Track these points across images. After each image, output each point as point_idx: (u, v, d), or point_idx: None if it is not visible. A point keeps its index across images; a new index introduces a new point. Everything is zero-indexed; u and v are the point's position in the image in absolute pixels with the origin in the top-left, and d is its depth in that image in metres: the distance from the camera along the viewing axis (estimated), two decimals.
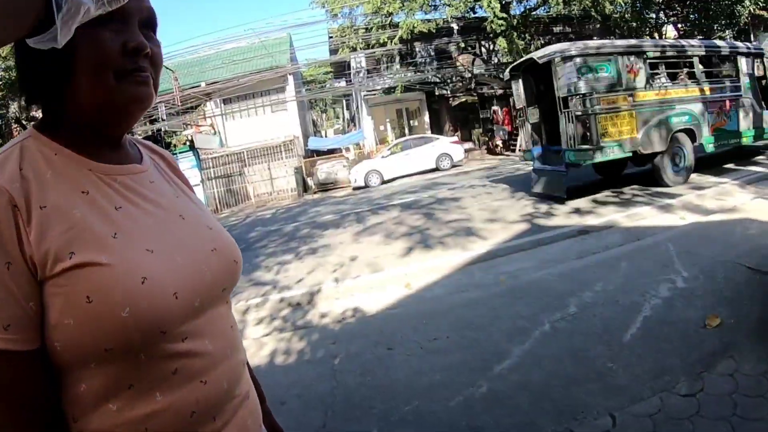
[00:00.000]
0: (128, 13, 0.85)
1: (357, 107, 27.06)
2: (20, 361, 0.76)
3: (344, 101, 33.84)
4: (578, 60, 8.17)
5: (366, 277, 6.23)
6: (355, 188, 19.12)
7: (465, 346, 3.75)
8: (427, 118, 26.25)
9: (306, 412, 3.36)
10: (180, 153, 20.71)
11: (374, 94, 25.16)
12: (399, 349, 3.96)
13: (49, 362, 0.80)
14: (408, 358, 3.75)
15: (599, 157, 8.17)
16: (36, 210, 0.77)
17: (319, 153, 24.79)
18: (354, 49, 23.57)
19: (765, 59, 10.58)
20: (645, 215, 6.83)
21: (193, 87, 23.28)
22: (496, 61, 24.72)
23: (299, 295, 5.95)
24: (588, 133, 8.16)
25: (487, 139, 24.65)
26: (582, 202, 8.33)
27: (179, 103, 21.79)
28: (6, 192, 0.76)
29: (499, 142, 22.92)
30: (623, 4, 19.58)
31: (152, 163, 1.05)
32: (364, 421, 3.06)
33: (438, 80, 25.07)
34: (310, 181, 22.36)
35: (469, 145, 23.65)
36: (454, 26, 23.64)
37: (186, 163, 20.70)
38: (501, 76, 23.32)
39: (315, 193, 21.49)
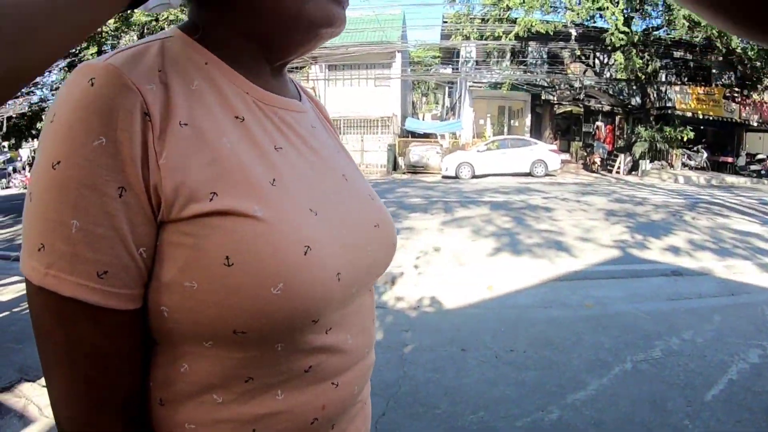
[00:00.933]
0: None
1: (460, 96, 26.67)
2: (110, 322, 0.57)
3: (447, 88, 33.49)
4: None
5: (448, 270, 6.16)
6: (445, 176, 18.99)
7: (542, 365, 3.61)
8: (528, 120, 25.57)
9: (371, 396, 3.35)
10: None
11: (480, 87, 24.69)
12: (473, 352, 3.88)
13: (144, 327, 0.62)
14: (481, 365, 3.66)
15: None
16: (174, 125, 0.58)
17: (414, 135, 24.73)
18: (467, 38, 23.15)
19: None
20: (743, 270, 6.37)
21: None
22: (608, 75, 23.65)
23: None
24: None
25: (585, 154, 23.76)
26: (679, 241, 7.89)
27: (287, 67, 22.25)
28: (137, 93, 0.56)
29: (597, 160, 22.00)
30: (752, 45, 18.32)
31: (311, 106, 0.85)
32: (426, 419, 3.01)
33: (546, 84, 24.28)
34: (400, 161, 22.38)
35: (566, 156, 22.89)
36: (572, 32, 22.68)
37: None
38: (611, 91, 22.36)
39: (404, 173, 21.52)
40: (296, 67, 23.59)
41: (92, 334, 0.56)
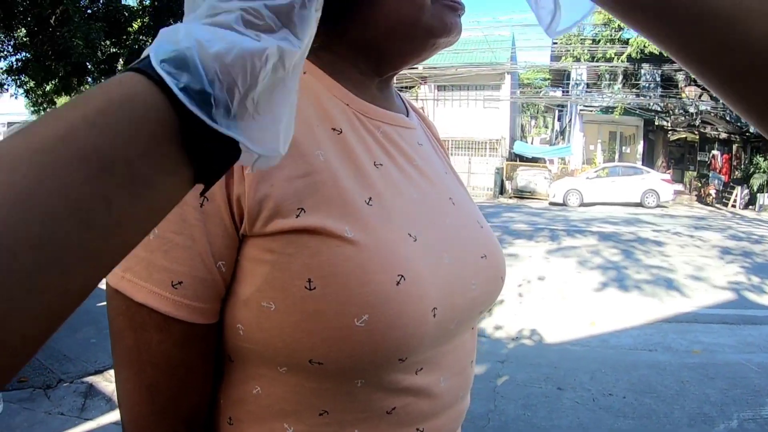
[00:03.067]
0: None
1: (570, 120, 25.81)
2: (179, 333, 0.54)
3: (556, 111, 32.54)
4: None
5: (551, 301, 5.98)
6: (552, 203, 18.42)
7: (641, 414, 3.39)
8: (641, 147, 24.11)
9: None
10: None
11: (590, 111, 23.72)
12: (569, 392, 3.73)
13: (219, 343, 0.59)
14: (576, 407, 3.51)
15: None
16: None
17: (522, 158, 24.26)
18: (577, 60, 22.43)
19: None
20: None
21: (411, 68, 23.79)
22: None
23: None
24: None
25: (699, 184, 21.96)
26: None
27: (395, 81, 22.48)
28: None
29: (712, 192, 20.35)
30: None
31: (419, 123, 0.78)
32: None
33: (659, 109, 22.80)
34: (507, 185, 22.03)
35: (679, 186, 21.33)
36: None
37: None
38: (728, 117, 20.71)
39: (510, 197, 21.15)
40: (406, 87, 23.87)
41: (160, 343, 0.54)
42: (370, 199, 0.58)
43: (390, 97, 0.72)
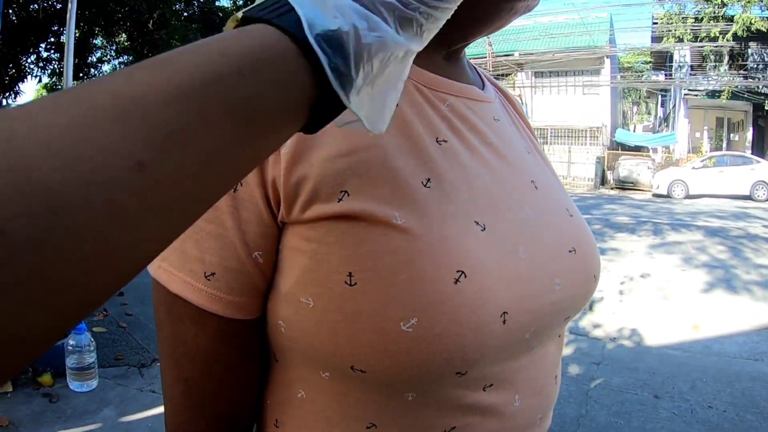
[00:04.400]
0: None
1: (674, 106, 24.13)
2: (214, 327, 0.50)
3: (659, 97, 30.57)
4: None
5: (653, 301, 5.74)
6: (655, 194, 17.43)
7: (742, 430, 3.24)
8: (750, 134, 22.07)
9: None
10: None
11: (695, 95, 21.99)
12: (666, 401, 3.60)
13: (258, 341, 0.54)
14: (673, 418, 3.39)
15: None
16: None
17: (624, 147, 23.05)
18: (680, 40, 20.83)
19: None
20: None
21: (506, 55, 23.12)
22: None
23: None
24: None
25: None
26: None
27: (491, 68, 21.88)
28: None
29: None
30: None
31: (498, 97, 0.68)
32: None
33: None
34: (609, 175, 21.08)
35: None
36: None
37: None
38: None
39: (612, 188, 20.25)
40: (502, 75, 23.30)
41: (195, 337, 0.50)
42: (428, 180, 0.50)
43: (461, 68, 0.63)
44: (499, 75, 23.35)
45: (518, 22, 24.64)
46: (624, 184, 19.92)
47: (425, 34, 0.35)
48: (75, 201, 0.20)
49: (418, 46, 0.35)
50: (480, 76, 0.69)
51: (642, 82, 28.42)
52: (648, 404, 3.56)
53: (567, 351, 4.43)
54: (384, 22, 0.32)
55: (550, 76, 23.88)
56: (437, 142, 0.52)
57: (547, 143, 22.35)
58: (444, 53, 0.59)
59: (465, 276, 0.46)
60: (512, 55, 23.40)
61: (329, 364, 0.50)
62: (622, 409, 3.51)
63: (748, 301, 5.78)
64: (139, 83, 0.24)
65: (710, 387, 3.78)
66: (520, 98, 23.30)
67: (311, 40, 0.29)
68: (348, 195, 0.46)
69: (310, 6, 0.29)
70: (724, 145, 23.09)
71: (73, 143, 0.21)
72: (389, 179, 0.48)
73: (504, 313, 0.48)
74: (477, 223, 0.50)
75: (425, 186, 0.49)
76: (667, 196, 16.92)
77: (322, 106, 0.32)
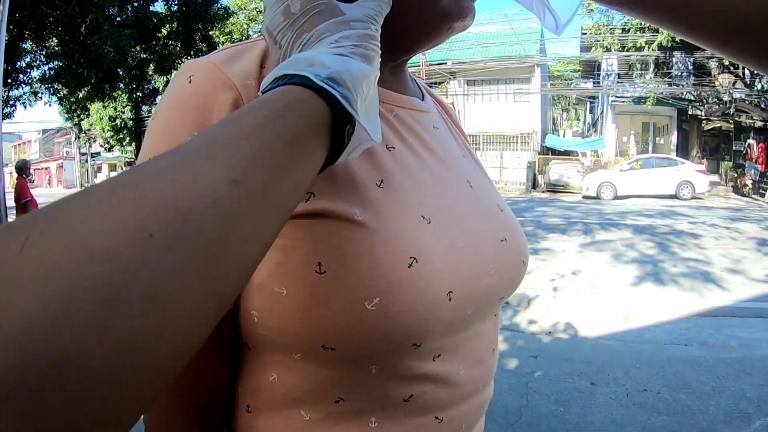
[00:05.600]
0: None
1: (602, 112, 25.28)
2: None
3: (588, 103, 31.92)
4: None
5: (585, 296, 5.92)
6: (585, 196, 18.14)
7: (676, 410, 3.34)
8: (675, 138, 23.47)
9: (487, 422, 3.31)
10: None
11: (622, 102, 23.17)
12: (603, 388, 3.69)
13: (232, 330, 0.59)
14: (610, 402, 3.48)
15: None
16: None
17: (554, 152, 23.88)
18: (607, 50, 21.95)
19: None
20: None
21: (439, 64, 23.51)
22: (760, 86, 20.91)
23: (512, 294, 5.87)
24: None
25: (735, 175, 21.11)
26: None
27: (424, 77, 22.26)
28: (234, 88, 0.54)
29: (749, 182, 19.53)
30: None
31: (435, 107, 0.76)
32: None
33: (692, 98, 22.01)
34: (540, 179, 21.76)
35: (714, 177, 20.60)
36: None
37: None
38: (763, 104, 19.95)
39: (543, 191, 20.91)
40: (435, 83, 23.70)
41: None
42: (381, 181, 0.57)
43: (404, 81, 0.71)
44: (432, 83, 23.72)
45: None
46: (555, 187, 20.62)
47: (375, 63, 0.48)
48: (201, 211, 0.29)
49: (378, 71, 0.48)
50: (420, 88, 0.76)
51: (571, 89, 29.61)
52: (585, 391, 3.64)
53: (506, 346, 4.49)
54: (350, 59, 0.45)
55: (482, 84, 24.47)
56: (387, 148, 0.60)
57: (479, 149, 22.87)
58: (389, 67, 0.66)
59: (417, 261, 0.53)
60: (445, 63, 23.84)
61: (302, 345, 0.54)
62: (561, 397, 3.57)
63: (676, 291, 6.06)
64: (216, 133, 0.35)
65: (643, 372, 3.91)
66: (453, 105, 23.71)
67: (321, 84, 0.41)
68: (314, 196, 0.53)
69: (314, 68, 0.42)
70: (650, 148, 24.33)
71: (193, 177, 0.31)
72: (349, 182, 0.55)
73: (450, 292, 0.55)
74: (423, 218, 0.57)
75: (379, 187, 0.56)
76: (597, 198, 17.64)
77: (339, 129, 0.42)
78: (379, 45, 0.50)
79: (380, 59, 0.50)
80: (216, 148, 0.33)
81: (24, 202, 7.51)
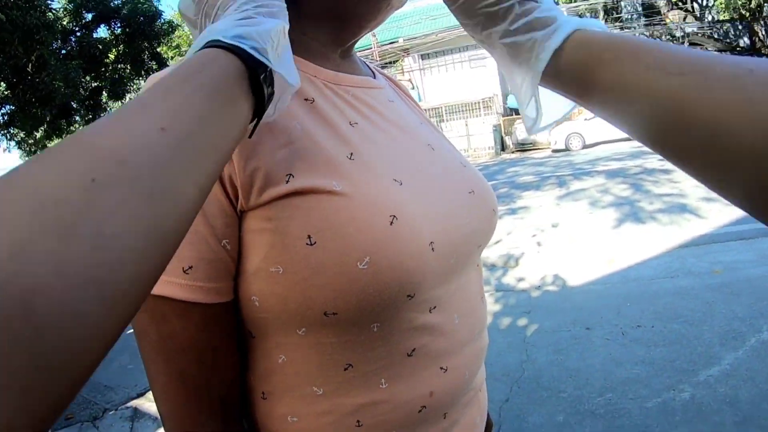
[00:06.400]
0: None
1: None
2: (199, 316, 0.56)
3: None
4: None
5: (568, 246, 5.97)
6: (555, 150, 18.27)
7: (671, 340, 3.40)
8: None
9: (491, 383, 3.31)
10: None
11: None
12: (598, 330, 3.74)
13: (238, 320, 0.62)
14: (606, 343, 3.52)
15: None
16: None
17: (518, 112, 23.60)
18: (555, 2, 21.97)
19: None
20: None
21: (391, 43, 23.28)
22: (710, 18, 21.25)
23: (497, 256, 5.90)
24: None
25: None
26: None
27: (377, 59, 22.13)
28: None
29: None
30: None
31: (388, 83, 0.83)
32: (550, 404, 2.95)
33: (646, 38, 22.17)
34: (508, 140, 21.85)
35: None
36: None
37: None
38: (716, 35, 20.25)
39: (513, 152, 21.01)
40: (389, 62, 23.55)
41: (183, 330, 0.56)
42: (351, 154, 0.61)
43: (354, 63, 0.76)
44: (386, 63, 23.56)
45: (399, 11, 24.86)
46: (523, 146, 20.74)
47: (281, 16, 0.53)
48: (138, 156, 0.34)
49: (285, 24, 0.53)
50: (370, 69, 0.82)
51: None
52: (582, 337, 3.68)
53: (498, 307, 4.51)
54: (260, 17, 0.50)
55: (437, 56, 24.28)
56: (350, 124, 0.65)
57: (443, 121, 22.84)
58: (339, 53, 0.72)
59: (397, 219, 0.57)
60: (397, 41, 23.61)
61: (305, 318, 0.57)
62: (559, 347, 3.60)
63: (656, 227, 6.14)
64: (145, 94, 0.39)
65: (635, 309, 3.96)
66: (411, 82, 23.65)
67: (231, 41, 0.46)
68: (293, 177, 0.56)
69: (224, 31, 0.47)
70: None
71: (126, 126, 0.35)
72: (322, 158, 0.59)
73: (431, 243, 0.59)
74: (395, 180, 0.62)
75: (350, 159, 0.60)
76: (566, 150, 17.76)
77: (257, 80, 0.47)
78: (283, 1, 0.55)
79: (328, 44, 0.68)
80: (145, 104, 0.38)
81: None
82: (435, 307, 0.64)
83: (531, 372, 3.34)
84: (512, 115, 23.02)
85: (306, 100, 0.64)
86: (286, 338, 0.61)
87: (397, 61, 24.07)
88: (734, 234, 5.34)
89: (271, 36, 0.48)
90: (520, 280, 5.14)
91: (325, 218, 0.55)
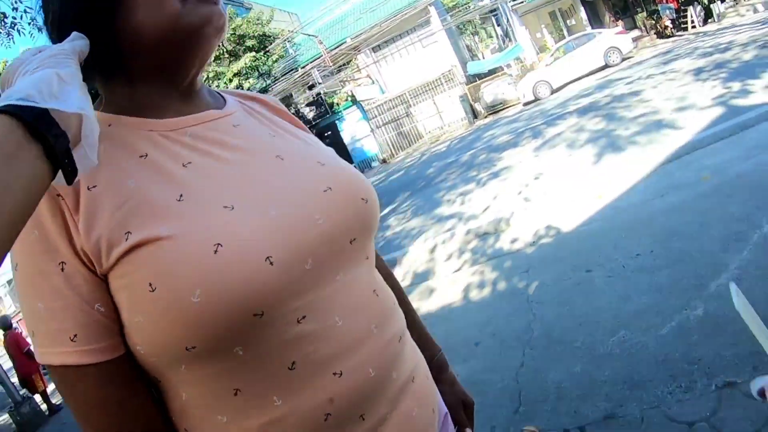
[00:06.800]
0: None
1: (507, 21, 25.09)
2: (97, 374, 0.61)
3: (493, 18, 31.66)
4: None
5: (553, 194, 5.79)
6: (526, 103, 18.02)
7: (673, 260, 3.23)
8: (583, 14, 23.47)
9: (502, 351, 3.18)
10: (344, 109, 21.55)
11: (522, 2, 23.03)
12: (598, 270, 3.57)
13: (137, 370, 0.66)
14: (610, 281, 3.36)
15: None
16: (84, 193, 0.61)
17: (480, 76, 23.63)
18: None
19: None
20: None
21: (339, 45, 23.15)
22: None
23: (486, 223, 5.73)
24: None
25: (654, 21, 21.06)
26: None
27: (331, 64, 22.03)
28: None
29: (668, 23, 19.46)
30: None
31: (241, 107, 0.83)
32: (566, 357, 2.79)
33: None
34: (478, 107, 21.61)
35: (635, 33, 20.67)
36: None
37: (353, 117, 21.64)
38: None
39: (486, 117, 20.75)
40: (344, 64, 23.36)
41: (87, 390, 0.61)
42: (181, 195, 0.64)
43: (197, 99, 0.77)
44: (341, 65, 23.32)
45: (336, 12, 24.82)
46: (494, 108, 20.46)
47: (67, 63, 0.57)
48: None
49: (71, 62, 0.58)
50: (222, 96, 0.83)
51: (470, 12, 29.31)
52: (584, 281, 3.53)
53: (496, 274, 4.37)
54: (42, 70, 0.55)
55: (387, 45, 24.03)
56: (183, 166, 0.67)
57: (411, 105, 22.66)
58: (178, 95, 0.74)
59: (222, 246, 0.59)
60: (344, 42, 23.40)
61: (176, 356, 0.61)
62: (563, 297, 3.45)
63: (637, 151, 5.99)
64: None
65: (630, 239, 3.81)
66: (370, 77, 23.45)
67: (16, 102, 0.49)
68: (130, 233, 0.60)
69: (20, 96, 0.49)
70: (565, 33, 24.37)
71: None
72: (151, 210, 0.61)
73: (268, 257, 0.61)
74: (226, 207, 0.64)
75: (179, 201, 0.63)
76: (536, 100, 17.52)
77: (57, 155, 0.50)
78: (69, 52, 0.59)
79: (165, 88, 0.72)
80: None
81: (26, 351, 8.06)
82: (305, 317, 0.65)
83: (540, 330, 3.18)
84: (476, 81, 22.80)
85: (141, 156, 0.66)
86: (178, 377, 0.64)
87: (350, 60, 23.86)
88: (715, 135, 5.17)
89: (51, 83, 0.52)
90: (514, 240, 4.98)
91: (159, 264, 0.59)
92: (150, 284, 0.58)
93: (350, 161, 23.43)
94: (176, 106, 0.73)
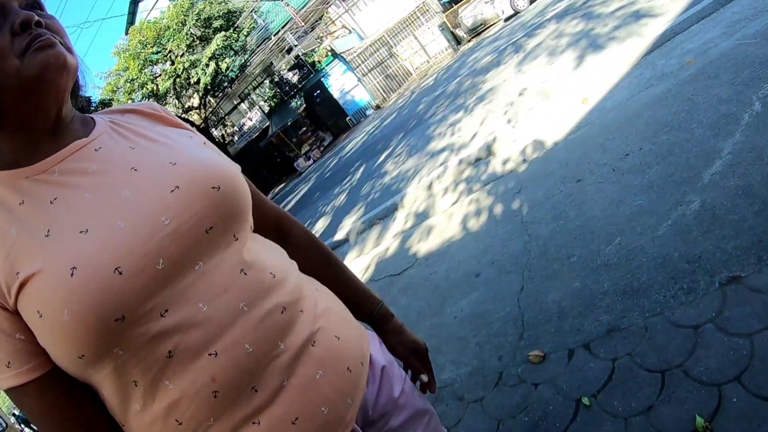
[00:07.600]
0: (4, 5, 0.74)
1: None
2: (35, 390, 0.72)
3: None
4: None
5: (538, 107, 5.51)
6: (506, 19, 17.29)
7: (663, 154, 3.01)
8: None
9: (501, 278, 3.04)
10: (327, 65, 21.05)
11: None
12: (589, 178, 3.38)
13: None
14: (601, 187, 3.16)
15: None
16: None
17: (456, 1, 22.82)
18: None
19: None
20: None
21: (306, 3, 22.36)
22: None
23: (476, 150, 5.51)
24: None
25: None
26: None
27: (302, 23, 21.37)
28: None
29: None
30: None
31: (108, 126, 0.87)
32: (564, 274, 2.65)
33: None
34: (460, 32, 20.89)
35: None
36: None
37: (337, 71, 21.22)
38: None
39: (469, 41, 20.08)
40: (316, 21, 22.59)
41: (32, 402, 0.73)
42: (48, 231, 0.71)
43: (67, 133, 0.82)
44: (315, 23, 22.52)
45: None
46: (477, 30, 19.75)
47: None
48: None
49: None
50: (93, 120, 0.88)
51: None
52: (575, 192, 3.35)
53: (489, 201, 4.21)
54: None
55: None
56: (50, 203, 0.74)
57: (392, 46, 22.00)
58: (47, 135, 0.80)
59: (77, 268, 0.68)
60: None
61: (78, 366, 0.72)
62: (556, 212, 3.29)
63: (617, 47, 5.64)
64: None
65: (618, 140, 3.58)
66: (346, 28, 22.65)
67: None
68: (19, 273, 0.68)
69: None
70: None
71: None
72: (26, 250, 0.70)
73: (117, 268, 0.69)
74: (81, 232, 0.71)
75: (46, 236, 0.71)
76: (517, 13, 16.79)
77: None
78: None
79: (29, 135, 0.78)
80: None
81: None
82: (167, 310, 0.72)
83: (537, 251, 3.03)
84: (452, 6, 21.94)
85: (20, 204, 0.73)
86: (94, 379, 0.74)
87: (322, 16, 23.04)
88: (693, 17, 4.79)
89: None
90: (506, 162, 4.77)
91: (38, 294, 0.68)
92: (38, 311, 0.68)
93: (344, 115, 23.10)
94: (46, 147, 0.79)
